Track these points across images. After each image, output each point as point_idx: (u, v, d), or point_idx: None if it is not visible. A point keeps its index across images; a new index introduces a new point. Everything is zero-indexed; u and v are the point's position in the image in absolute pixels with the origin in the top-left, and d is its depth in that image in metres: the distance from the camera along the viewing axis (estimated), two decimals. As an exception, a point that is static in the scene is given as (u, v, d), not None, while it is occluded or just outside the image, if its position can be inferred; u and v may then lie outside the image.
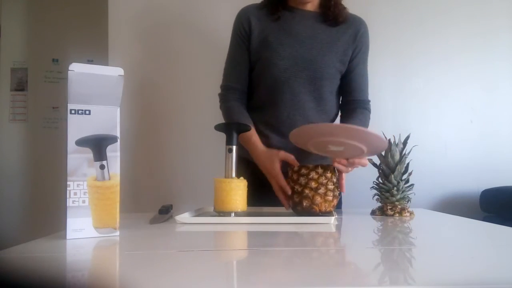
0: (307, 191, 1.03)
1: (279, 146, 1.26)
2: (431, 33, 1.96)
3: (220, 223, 0.99)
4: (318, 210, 1.03)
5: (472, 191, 1.93)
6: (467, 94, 1.97)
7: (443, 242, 0.81)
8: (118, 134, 0.79)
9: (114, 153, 0.78)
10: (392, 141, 1.08)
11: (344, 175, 1.11)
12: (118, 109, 0.80)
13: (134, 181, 1.90)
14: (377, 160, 1.09)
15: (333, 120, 1.40)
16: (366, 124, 1.33)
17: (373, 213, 1.15)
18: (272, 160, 1.18)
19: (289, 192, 1.09)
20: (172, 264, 0.59)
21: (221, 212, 1.04)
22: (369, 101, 1.39)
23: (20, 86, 3.01)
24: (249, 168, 1.33)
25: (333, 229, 0.91)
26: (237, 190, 1.03)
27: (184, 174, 1.91)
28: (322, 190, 1.03)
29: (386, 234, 0.86)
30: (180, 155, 1.92)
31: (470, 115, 1.97)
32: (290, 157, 1.17)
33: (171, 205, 1.11)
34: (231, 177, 1.07)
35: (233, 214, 1.03)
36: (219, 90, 1.40)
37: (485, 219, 1.82)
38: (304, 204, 1.03)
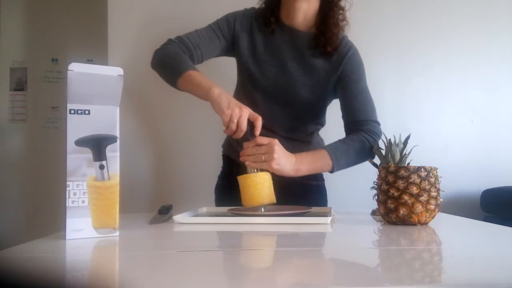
0: (406, 197, 0.90)
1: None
2: (432, 33, 1.96)
3: (219, 223, 0.99)
4: (416, 220, 0.91)
5: (473, 191, 1.93)
6: (467, 94, 1.97)
7: (443, 242, 0.81)
8: (117, 134, 0.79)
9: (113, 153, 0.78)
10: (392, 141, 1.07)
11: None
12: (118, 109, 0.80)
13: (134, 181, 1.89)
14: (377, 160, 1.09)
15: (309, 140, 1.41)
16: (347, 144, 1.25)
17: (373, 213, 1.15)
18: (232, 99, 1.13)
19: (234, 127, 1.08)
20: (172, 264, 0.59)
21: (251, 208, 1.05)
22: (366, 120, 1.28)
23: (19, 86, 3.01)
24: (230, 165, 1.40)
25: (333, 229, 0.91)
26: (263, 183, 1.05)
27: (184, 174, 1.90)
28: (424, 198, 0.90)
29: (386, 235, 0.86)
30: (180, 155, 1.92)
31: (471, 115, 1.97)
32: (257, 117, 1.10)
33: (171, 205, 1.11)
34: (255, 171, 1.08)
35: (263, 209, 1.05)
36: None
37: (486, 219, 1.81)
38: (401, 212, 0.90)
